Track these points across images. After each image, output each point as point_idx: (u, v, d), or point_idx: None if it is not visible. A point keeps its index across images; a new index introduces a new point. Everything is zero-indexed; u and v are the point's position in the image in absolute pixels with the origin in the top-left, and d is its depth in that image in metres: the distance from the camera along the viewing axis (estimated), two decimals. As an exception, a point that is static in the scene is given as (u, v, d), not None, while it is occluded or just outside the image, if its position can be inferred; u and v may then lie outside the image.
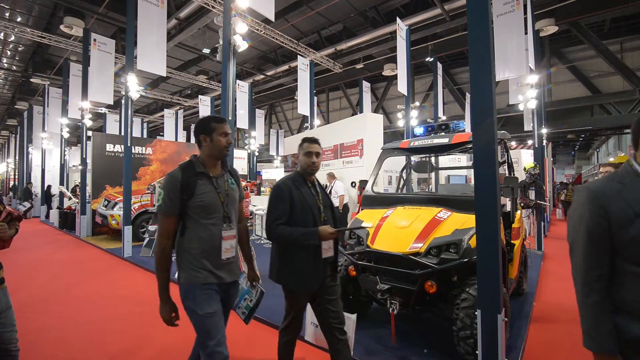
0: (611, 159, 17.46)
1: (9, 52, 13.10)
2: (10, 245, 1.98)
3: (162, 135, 18.28)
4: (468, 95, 11.87)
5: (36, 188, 15.30)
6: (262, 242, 8.01)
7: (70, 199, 11.63)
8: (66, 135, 11.61)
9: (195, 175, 1.76)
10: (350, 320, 2.54)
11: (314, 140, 2.14)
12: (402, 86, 7.73)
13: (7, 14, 10.41)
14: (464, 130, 3.74)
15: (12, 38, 11.76)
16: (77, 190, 12.12)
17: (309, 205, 2.06)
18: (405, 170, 4.91)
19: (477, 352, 2.30)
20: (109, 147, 9.79)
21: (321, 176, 7.71)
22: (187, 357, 2.06)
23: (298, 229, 1.99)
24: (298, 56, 10.36)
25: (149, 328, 3.43)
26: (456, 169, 9.31)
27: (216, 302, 1.75)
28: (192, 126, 21.95)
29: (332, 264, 2.15)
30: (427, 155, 4.65)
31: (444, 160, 9.36)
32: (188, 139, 20.62)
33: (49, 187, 14.11)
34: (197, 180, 1.76)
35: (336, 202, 6.83)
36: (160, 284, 1.76)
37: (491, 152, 2.21)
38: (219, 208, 1.79)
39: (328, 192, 6.73)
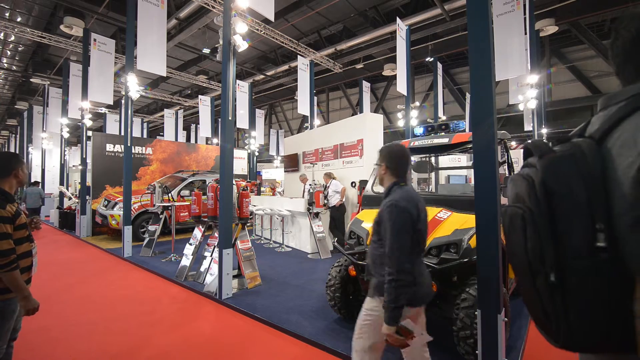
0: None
1: (9, 52, 13.10)
2: None
3: (162, 135, 18.29)
4: (468, 95, 11.88)
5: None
6: (262, 242, 8.02)
7: (70, 198, 11.62)
8: (66, 135, 11.61)
9: None
10: None
11: None
12: (402, 86, 7.73)
13: (7, 14, 10.40)
14: (464, 130, 3.75)
15: (12, 38, 11.75)
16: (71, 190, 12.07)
17: None
18: (405, 170, 4.90)
19: (477, 352, 2.30)
20: (109, 147, 9.79)
21: (320, 176, 7.73)
22: (187, 357, 2.06)
23: None
24: (298, 56, 10.36)
25: (149, 328, 3.43)
26: (456, 169, 9.32)
27: None
28: (192, 126, 21.73)
29: None
30: (427, 155, 4.65)
31: (444, 160, 9.36)
32: (188, 139, 20.65)
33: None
34: None
35: (335, 201, 6.86)
36: None
37: (491, 152, 2.21)
38: None
39: (326, 192, 6.81)
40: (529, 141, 0.69)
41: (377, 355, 1.83)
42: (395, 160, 1.86)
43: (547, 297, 0.64)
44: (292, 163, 9.61)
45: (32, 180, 15.42)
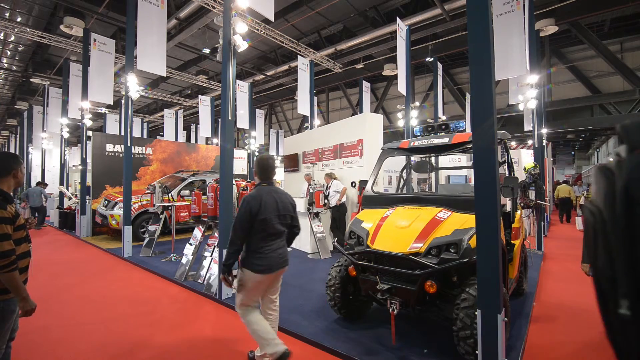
0: (611, 159, 17.51)
1: (9, 52, 13.10)
2: None
3: (162, 135, 18.29)
4: (468, 95, 11.88)
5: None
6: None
7: (70, 198, 11.62)
8: (66, 135, 11.61)
9: None
10: None
11: None
12: (402, 86, 7.74)
13: (7, 14, 10.41)
14: (464, 130, 3.74)
15: (12, 38, 11.76)
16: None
17: None
18: (405, 170, 4.91)
19: (477, 352, 2.30)
20: (109, 147, 9.79)
21: (320, 176, 7.73)
22: (187, 357, 2.06)
23: None
24: (298, 56, 10.36)
25: (149, 328, 3.43)
26: (456, 169, 9.31)
27: None
28: (192, 126, 21.72)
29: None
30: (427, 155, 4.65)
31: (444, 160, 9.35)
32: (188, 139, 20.66)
33: None
34: None
35: (335, 201, 6.87)
36: None
37: (491, 152, 2.21)
38: None
39: (327, 192, 6.81)
40: (622, 124, 0.52)
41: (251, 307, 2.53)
42: (259, 167, 2.57)
43: (618, 326, 0.49)
44: (292, 163, 9.60)
45: (36, 181, 15.49)
